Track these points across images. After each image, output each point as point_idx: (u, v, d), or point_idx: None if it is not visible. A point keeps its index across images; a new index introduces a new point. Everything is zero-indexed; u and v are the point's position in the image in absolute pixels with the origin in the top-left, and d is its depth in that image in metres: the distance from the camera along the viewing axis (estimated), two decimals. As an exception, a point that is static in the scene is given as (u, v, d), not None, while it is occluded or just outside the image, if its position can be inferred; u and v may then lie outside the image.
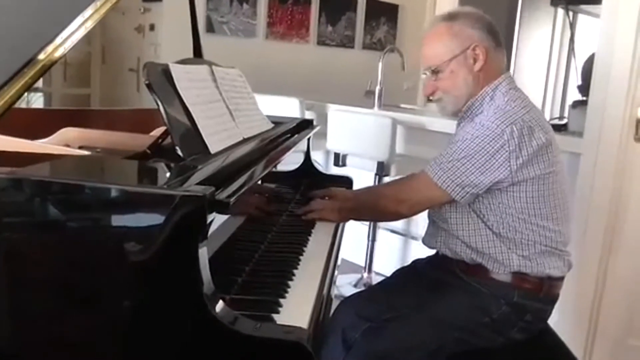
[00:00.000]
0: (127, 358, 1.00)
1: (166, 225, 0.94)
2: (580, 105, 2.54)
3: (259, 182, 1.55)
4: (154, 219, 0.95)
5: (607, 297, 2.40)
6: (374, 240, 3.25)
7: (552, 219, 1.54)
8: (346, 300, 1.69)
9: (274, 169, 1.53)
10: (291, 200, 1.90)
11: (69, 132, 1.61)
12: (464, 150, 1.49)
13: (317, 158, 2.33)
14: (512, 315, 1.53)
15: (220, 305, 0.97)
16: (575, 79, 3.15)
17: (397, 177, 1.89)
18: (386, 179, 3.14)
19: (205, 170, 1.11)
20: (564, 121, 2.65)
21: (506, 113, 1.48)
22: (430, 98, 1.65)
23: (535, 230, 1.53)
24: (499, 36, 1.60)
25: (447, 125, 2.79)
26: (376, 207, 1.68)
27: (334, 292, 1.70)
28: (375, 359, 1.47)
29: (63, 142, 1.54)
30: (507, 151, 1.45)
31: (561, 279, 1.59)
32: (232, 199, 1.03)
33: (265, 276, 1.27)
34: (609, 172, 2.30)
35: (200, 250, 0.95)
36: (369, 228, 3.25)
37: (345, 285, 3.17)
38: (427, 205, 1.64)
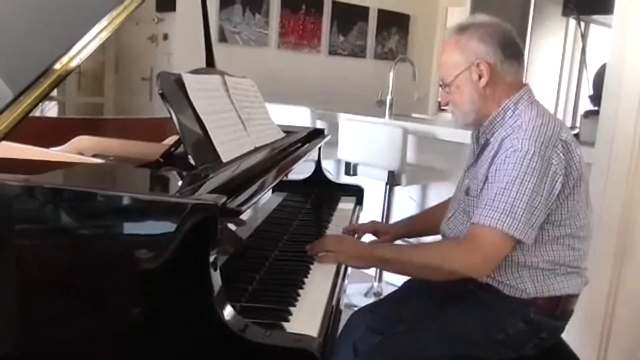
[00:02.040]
0: (138, 364, 1.01)
1: (178, 233, 0.95)
2: (591, 115, 2.53)
3: (270, 190, 1.55)
4: (166, 226, 0.96)
5: (619, 309, 2.38)
6: (384, 249, 3.23)
7: (578, 237, 1.49)
8: (357, 313, 1.68)
9: (284, 178, 1.54)
10: (302, 209, 1.91)
11: (82, 141, 1.63)
12: (521, 189, 1.36)
13: (328, 167, 2.34)
14: (528, 332, 1.48)
15: (230, 312, 0.98)
16: (587, 89, 3.14)
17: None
18: (397, 189, 3.14)
19: (217, 178, 1.12)
20: (576, 131, 2.64)
21: (545, 135, 1.40)
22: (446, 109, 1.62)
23: (561, 251, 1.47)
24: (515, 47, 1.52)
25: (458, 134, 2.80)
26: (425, 271, 1.46)
27: (345, 301, 1.69)
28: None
29: (77, 150, 1.55)
30: (560, 175, 1.40)
31: (577, 295, 1.55)
32: (244, 208, 1.04)
33: (275, 284, 1.28)
34: (621, 182, 2.28)
35: (211, 258, 0.96)
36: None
37: (355, 295, 3.16)
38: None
